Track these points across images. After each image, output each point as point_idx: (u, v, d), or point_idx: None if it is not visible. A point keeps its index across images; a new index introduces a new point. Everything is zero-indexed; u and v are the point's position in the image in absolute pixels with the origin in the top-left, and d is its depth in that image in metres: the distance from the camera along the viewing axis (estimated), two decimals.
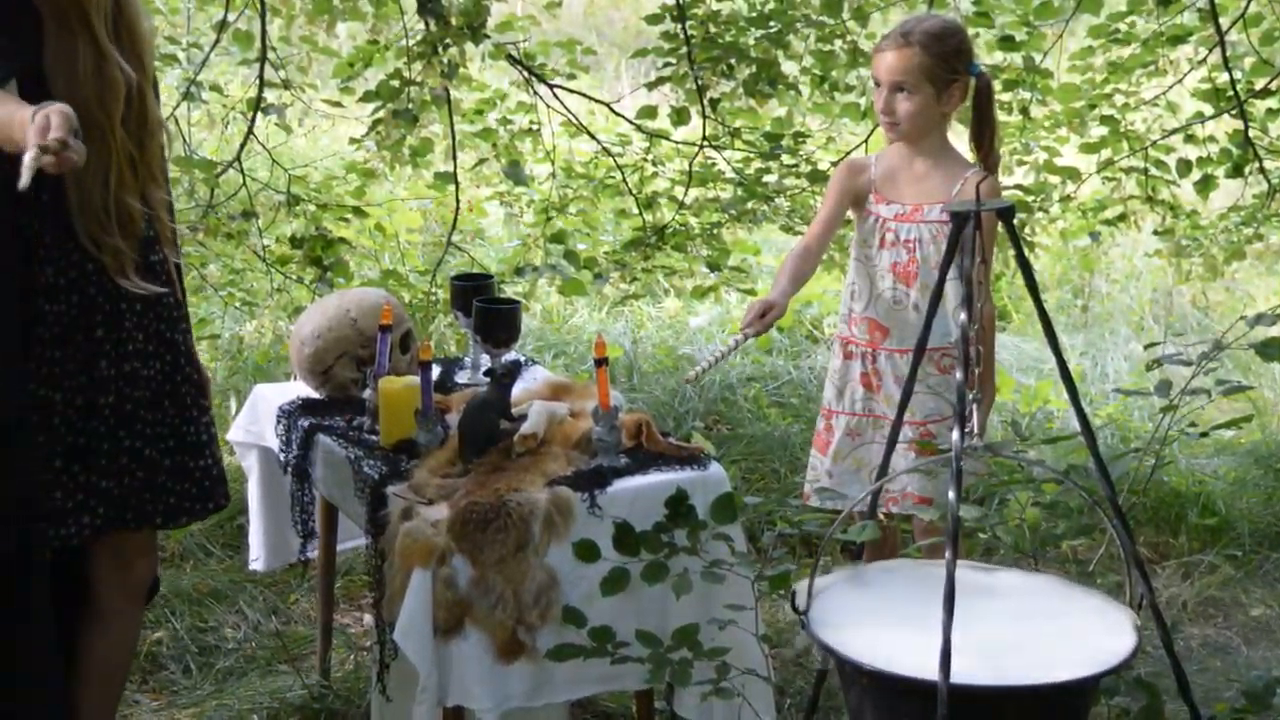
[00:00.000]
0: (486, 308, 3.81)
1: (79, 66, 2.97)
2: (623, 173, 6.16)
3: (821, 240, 3.97)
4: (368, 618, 4.55)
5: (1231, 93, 5.81)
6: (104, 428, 3.12)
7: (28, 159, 2.53)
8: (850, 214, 4.07)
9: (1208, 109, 6.03)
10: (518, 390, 3.69)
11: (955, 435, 2.64)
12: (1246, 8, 5.70)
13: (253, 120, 5.81)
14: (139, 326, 3.17)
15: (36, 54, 2.96)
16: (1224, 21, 5.66)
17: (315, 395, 3.85)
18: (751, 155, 6.03)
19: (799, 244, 3.99)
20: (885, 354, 3.94)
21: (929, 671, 2.48)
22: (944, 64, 3.81)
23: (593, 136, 6.26)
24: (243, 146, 5.83)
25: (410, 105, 5.45)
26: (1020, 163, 6.19)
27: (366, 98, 5.58)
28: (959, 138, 4.19)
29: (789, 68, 5.96)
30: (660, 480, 3.33)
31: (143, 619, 3.43)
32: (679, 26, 5.66)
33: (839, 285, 7.09)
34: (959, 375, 2.71)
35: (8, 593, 3.05)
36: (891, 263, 3.91)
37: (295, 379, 3.98)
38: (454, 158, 5.87)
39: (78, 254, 3.06)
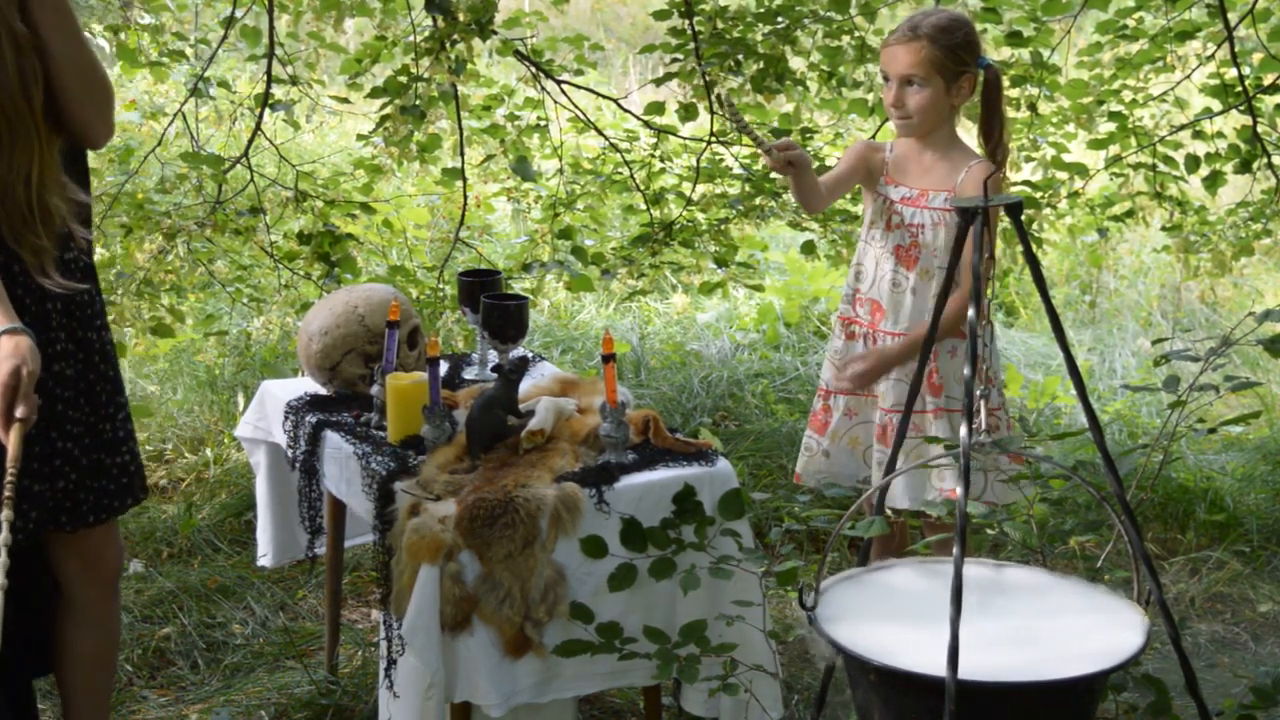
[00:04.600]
0: (494, 304, 3.81)
1: (4, 58, 2.89)
2: (630, 169, 6.16)
3: (827, 188, 3.97)
4: (375, 614, 4.55)
5: (1240, 88, 5.80)
6: (35, 430, 3.00)
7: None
8: (865, 195, 4.08)
9: (1216, 105, 6.02)
10: (525, 386, 3.70)
11: (964, 431, 2.64)
12: (1255, 4, 5.69)
13: (260, 116, 5.81)
14: (61, 326, 3.12)
15: None
16: (1232, 17, 5.65)
17: (323, 391, 3.85)
18: (759, 151, 6.02)
19: None
20: (882, 335, 3.96)
21: (936, 667, 2.48)
22: (952, 56, 3.83)
23: (600, 132, 6.25)
24: (250, 142, 5.83)
25: (418, 101, 5.45)
26: (1028, 159, 6.18)
27: (374, 94, 5.58)
28: (968, 135, 4.19)
29: (796, 63, 5.96)
30: (668, 476, 3.33)
31: (119, 609, 3.42)
32: (686, 22, 5.66)
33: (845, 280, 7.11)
34: (967, 371, 2.71)
35: None
36: (895, 245, 3.95)
37: (303, 375, 3.99)
38: (461, 154, 5.87)
39: (4, 255, 2.99)
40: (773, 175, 5.99)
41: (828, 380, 4.11)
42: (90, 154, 3.33)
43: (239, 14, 5.80)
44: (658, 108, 5.98)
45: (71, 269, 3.13)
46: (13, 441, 2.63)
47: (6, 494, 2.53)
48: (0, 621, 2.43)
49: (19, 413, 2.65)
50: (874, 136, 6.03)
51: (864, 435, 4.04)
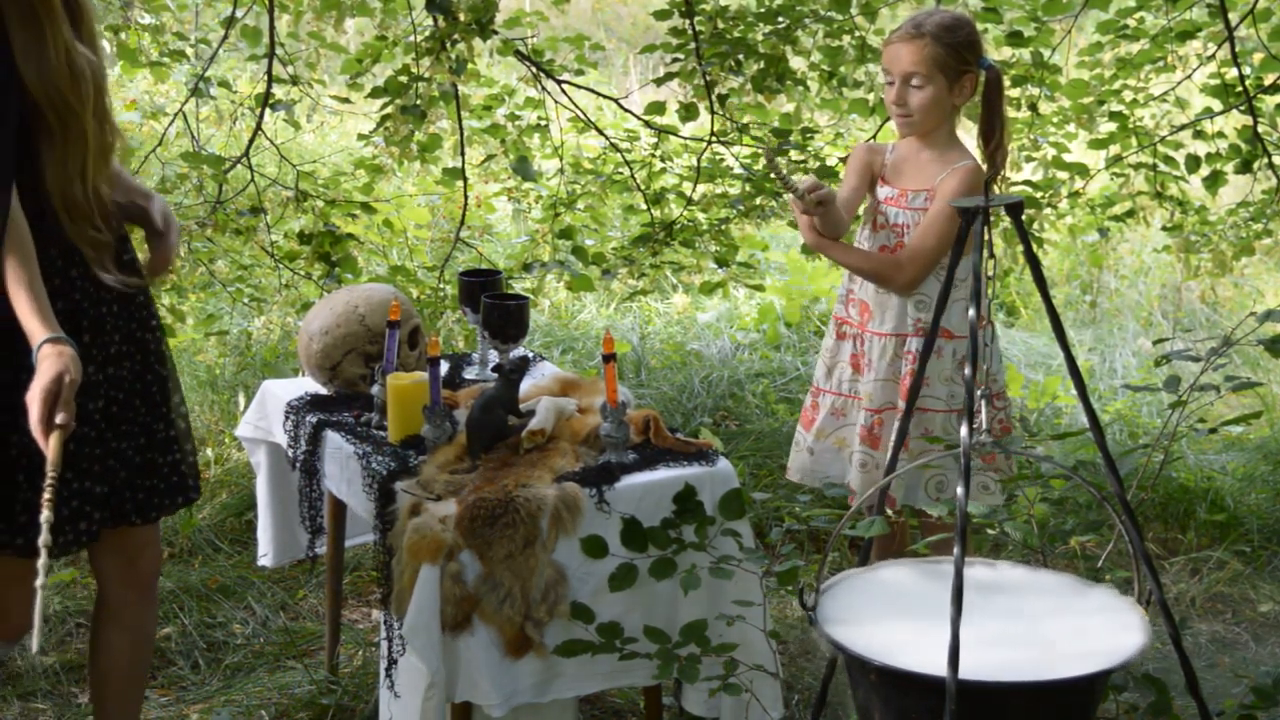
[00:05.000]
0: (495, 304, 3.81)
1: (49, 57, 2.92)
2: (631, 168, 6.16)
3: (845, 209, 3.92)
4: (376, 613, 4.55)
5: (1240, 88, 5.80)
6: (94, 432, 3.10)
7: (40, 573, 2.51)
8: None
9: (1216, 105, 6.02)
10: (526, 386, 3.70)
11: (964, 431, 2.64)
12: (1255, 3, 5.69)
13: (261, 116, 5.81)
14: (116, 328, 3.16)
15: (7, 52, 2.90)
16: (1233, 17, 5.65)
17: (323, 391, 3.85)
18: (760, 151, 6.02)
19: None
20: (870, 336, 3.96)
21: (937, 667, 2.48)
22: (956, 55, 3.82)
23: (601, 132, 6.25)
24: (251, 142, 5.83)
25: (418, 101, 5.45)
26: (1029, 159, 6.18)
27: (375, 93, 5.58)
28: (967, 136, 4.18)
29: (797, 63, 5.96)
30: (668, 476, 3.33)
31: (155, 611, 3.43)
32: (687, 22, 5.66)
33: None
34: (967, 370, 2.70)
35: None
36: (880, 246, 3.95)
37: (304, 375, 3.99)
38: (462, 153, 5.87)
39: (61, 260, 3.03)
40: (772, 175, 5.99)
41: (819, 378, 4.11)
42: None
43: (239, 14, 5.80)
44: (658, 108, 5.98)
45: (130, 270, 3.18)
46: (52, 447, 2.64)
47: (46, 496, 2.55)
48: (39, 621, 2.45)
49: (59, 419, 2.66)
50: (874, 137, 6.02)
51: (850, 437, 4.03)
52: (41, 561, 2.49)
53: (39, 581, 2.47)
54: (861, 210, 4.13)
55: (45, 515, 2.54)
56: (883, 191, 3.97)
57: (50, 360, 2.68)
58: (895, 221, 3.93)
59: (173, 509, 3.31)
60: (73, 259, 3.05)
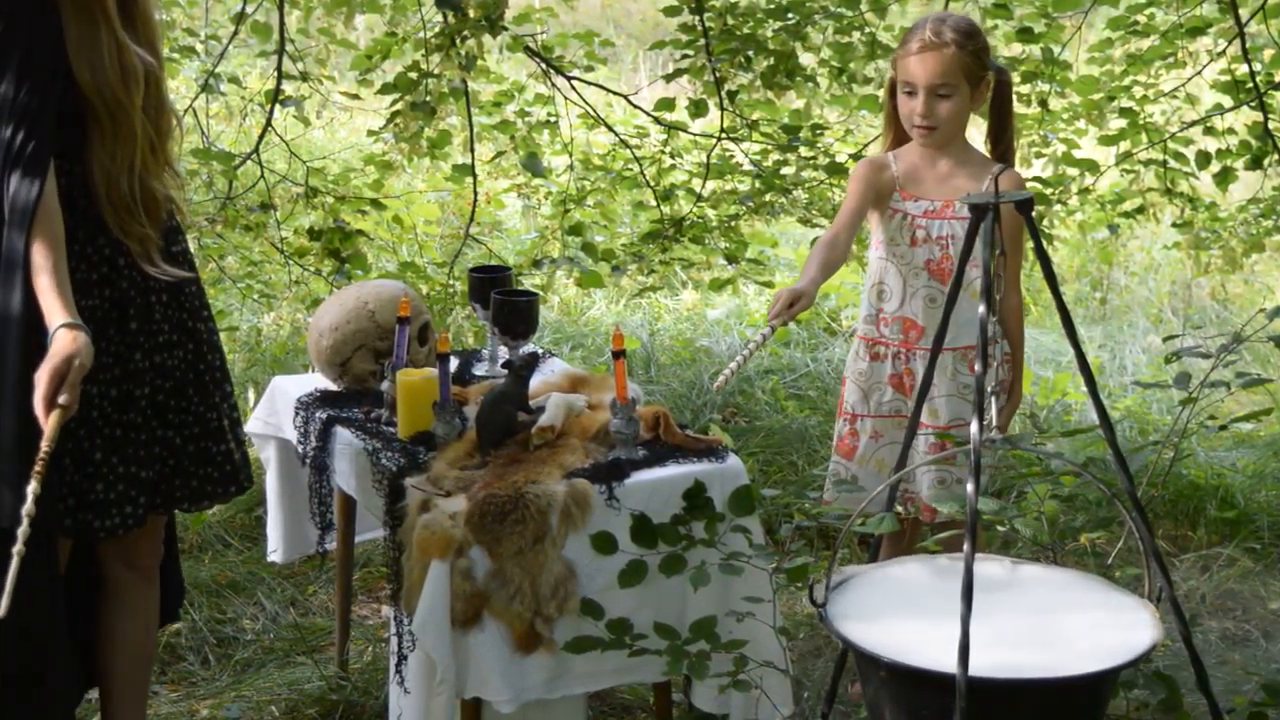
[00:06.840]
0: (504, 300, 3.80)
1: (102, 54, 3.00)
2: (640, 165, 6.16)
3: (849, 231, 3.84)
4: (386, 609, 4.56)
5: (1251, 85, 5.79)
6: (140, 419, 3.16)
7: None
8: (870, 214, 3.96)
9: (1227, 101, 6.01)
10: (535, 382, 3.69)
11: (974, 427, 2.64)
12: (1266, 0, 5.68)
13: (271, 112, 5.82)
14: (165, 318, 3.21)
15: (59, 44, 2.98)
16: (1243, 13, 5.64)
17: (333, 387, 3.85)
18: (769, 147, 6.02)
19: (826, 234, 3.86)
20: (920, 354, 3.85)
21: (947, 664, 2.48)
22: (978, 61, 3.75)
23: (610, 129, 6.26)
24: (261, 138, 5.84)
25: (428, 97, 5.45)
26: (1039, 155, 6.17)
27: (384, 90, 5.58)
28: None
29: (807, 60, 5.96)
30: (678, 472, 3.33)
31: (157, 596, 3.44)
32: (697, 19, 5.66)
33: (856, 278, 7.10)
34: (978, 367, 2.70)
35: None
36: (925, 260, 3.85)
37: (313, 371, 3.99)
38: (472, 150, 5.88)
39: (109, 248, 3.10)
40: (782, 172, 5.99)
41: (853, 404, 3.99)
42: None
43: (249, 10, 5.81)
44: (668, 104, 5.98)
45: (179, 261, 3.24)
46: (50, 425, 2.74)
47: (37, 469, 2.66)
48: (11, 585, 2.55)
49: (61, 400, 2.76)
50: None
51: (889, 457, 3.93)
52: (21, 530, 2.59)
53: (16, 548, 2.57)
54: (876, 212, 4.06)
55: (32, 487, 2.65)
56: (915, 205, 3.85)
57: (63, 343, 2.78)
58: (940, 234, 3.83)
59: (225, 498, 3.37)
60: (120, 248, 3.11)
